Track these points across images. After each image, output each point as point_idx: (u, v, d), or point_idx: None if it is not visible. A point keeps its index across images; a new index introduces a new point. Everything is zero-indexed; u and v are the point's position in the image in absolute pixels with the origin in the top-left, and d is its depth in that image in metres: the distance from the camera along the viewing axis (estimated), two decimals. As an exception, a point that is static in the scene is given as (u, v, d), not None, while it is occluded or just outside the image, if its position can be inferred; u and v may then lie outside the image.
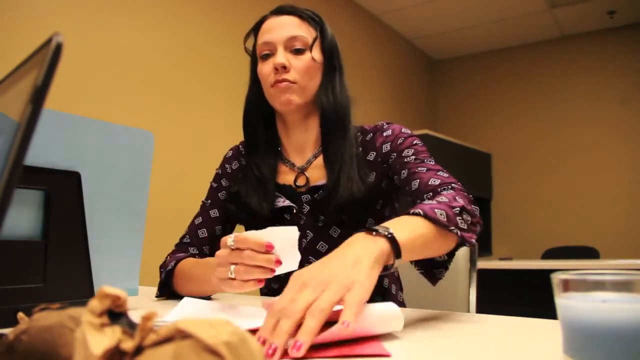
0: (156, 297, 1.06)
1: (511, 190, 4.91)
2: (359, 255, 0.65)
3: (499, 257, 4.21)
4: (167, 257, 1.11)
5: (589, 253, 3.73)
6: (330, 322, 0.57)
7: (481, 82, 5.20)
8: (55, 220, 0.74)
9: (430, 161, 1.02)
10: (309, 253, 1.05)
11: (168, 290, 1.05)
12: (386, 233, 0.70)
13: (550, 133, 4.78)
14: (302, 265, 1.04)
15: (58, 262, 0.74)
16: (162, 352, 0.30)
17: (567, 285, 0.41)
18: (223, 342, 0.29)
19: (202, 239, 1.13)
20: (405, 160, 1.03)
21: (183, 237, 1.16)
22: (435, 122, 5.28)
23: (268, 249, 0.75)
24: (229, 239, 0.77)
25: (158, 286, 1.06)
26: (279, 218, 1.08)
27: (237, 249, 0.76)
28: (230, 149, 1.24)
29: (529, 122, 4.89)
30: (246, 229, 1.12)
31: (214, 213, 1.15)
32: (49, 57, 0.36)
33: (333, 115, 1.08)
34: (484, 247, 4.62)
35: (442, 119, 5.35)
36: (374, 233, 0.70)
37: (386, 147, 1.08)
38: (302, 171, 1.12)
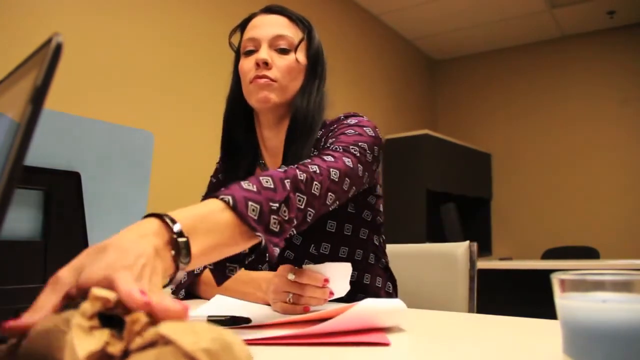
0: (173, 293, 1.05)
1: (511, 190, 4.91)
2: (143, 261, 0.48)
3: (499, 257, 4.21)
4: None
5: (589, 253, 3.73)
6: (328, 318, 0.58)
7: (481, 82, 5.20)
8: (55, 220, 0.74)
9: (338, 148, 0.92)
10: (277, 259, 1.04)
11: (186, 291, 1.05)
12: (181, 247, 0.55)
13: (550, 133, 4.78)
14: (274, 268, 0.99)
15: (58, 262, 0.74)
16: (145, 357, 0.30)
17: (567, 286, 0.41)
18: (202, 349, 0.30)
19: None
20: (325, 146, 0.97)
21: None
22: (435, 122, 5.28)
23: (325, 283, 0.81)
24: (289, 274, 0.82)
25: (180, 287, 1.04)
26: None
27: (296, 281, 0.82)
28: None
29: (529, 122, 4.89)
30: None
31: None
32: (49, 57, 0.36)
33: (302, 120, 1.04)
34: (484, 247, 4.62)
35: (441, 119, 5.35)
36: (168, 240, 0.55)
37: (324, 140, 1.03)
38: None
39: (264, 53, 1.02)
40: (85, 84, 2.24)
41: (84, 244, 0.77)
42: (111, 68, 2.37)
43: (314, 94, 1.06)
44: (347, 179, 0.87)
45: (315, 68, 1.08)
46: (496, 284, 2.92)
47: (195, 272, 1.03)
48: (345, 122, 1.02)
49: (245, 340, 0.57)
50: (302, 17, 1.10)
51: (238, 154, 1.10)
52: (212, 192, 1.16)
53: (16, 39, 2.00)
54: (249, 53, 1.06)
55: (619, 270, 0.40)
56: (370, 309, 0.61)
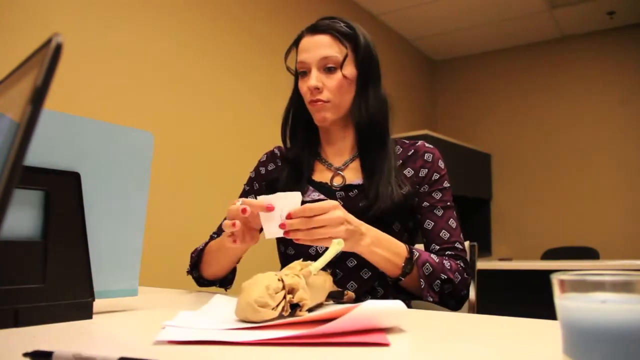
0: (187, 273, 1.22)
1: (511, 190, 4.91)
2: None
3: (499, 258, 4.20)
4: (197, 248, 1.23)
5: (588, 253, 3.73)
6: (331, 319, 0.58)
7: (481, 83, 5.20)
8: (55, 220, 0.74)
9: (449, 209, 1.15)
10: None
11: (197, 272, 1.18)
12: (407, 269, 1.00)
13: (550, 133, 4.78)
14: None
15: (58, 262, 0.74)
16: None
17: (566, 286, 0.41)
18: None
19: None
20: (433, 195, 1.15)
21: (214, 233, 1.26)
22: (435, 123, 5.28)
23: (269, 209, 0.86)
24: (237, 203, 0.90)
25: (190, 265, 1.21)
26: None
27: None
28: (265, 154, 1.31)
29: (528, 123, 4.89)
30: None
31: None
32: (49, 57, 0.36)
33: (368, 127, 1.15)
34: (483, 247, 4.62)
35: (441, 119, 5.35)
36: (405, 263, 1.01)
37: (423, 172, 1.16)
38: (338, 171, 1.19)
39: (314, 79, 1.11)
40: (85, 84, 2.24)
41: (84, 244, 0.77)
42: (111, 68, 2.37)
43: (371, 100, 1.16)
44: None
45: (366, 75, 1.16)
46: (496, 284, 2.92)
47: (200, 248, 1.17)
48: (440, 164, 1.18)
49: (246, 341, 0.58)
50: (347, 25, 1.17)
51: (299, 151, 1.22)
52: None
53: (16, 39, 2.00)
54: (303, 75, 1.16)
55: (618, 271, 0.40)
56: (371, 310, 0.61)
